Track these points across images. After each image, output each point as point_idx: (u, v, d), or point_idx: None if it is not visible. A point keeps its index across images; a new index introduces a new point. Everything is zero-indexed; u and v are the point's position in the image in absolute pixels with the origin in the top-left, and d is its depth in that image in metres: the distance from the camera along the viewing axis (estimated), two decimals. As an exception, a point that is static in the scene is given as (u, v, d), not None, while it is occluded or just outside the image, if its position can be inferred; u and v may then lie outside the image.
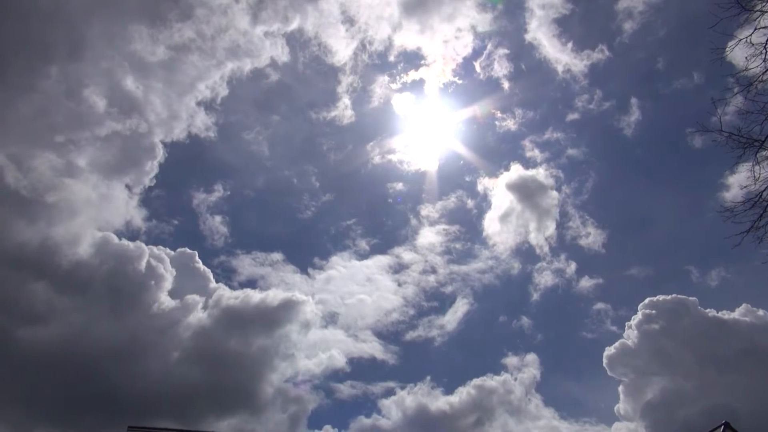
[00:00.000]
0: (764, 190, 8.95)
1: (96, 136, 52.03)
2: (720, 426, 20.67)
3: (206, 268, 64.83)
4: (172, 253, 62.00)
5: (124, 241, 54.10)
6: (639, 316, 63.81)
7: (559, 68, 68.44)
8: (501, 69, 69.69)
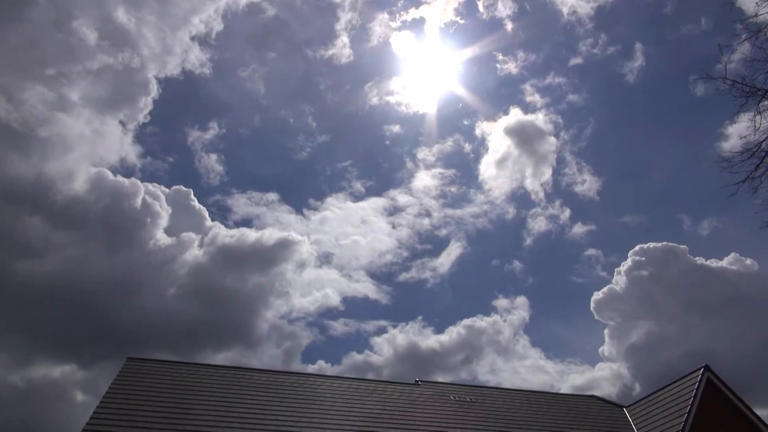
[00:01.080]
0: (764, 140, 8.94)
1: (87, 69, 50.70)
2: (700, 369, 21.45)
3: (201, 207, 64.72)
4: (167, 190, 61.74)
5: (119, 178, 53.79)
6: (629, 262, 64.70)
7: (565, 10, 66.30)
8: (505, 9, 67.39)
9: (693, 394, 20.42)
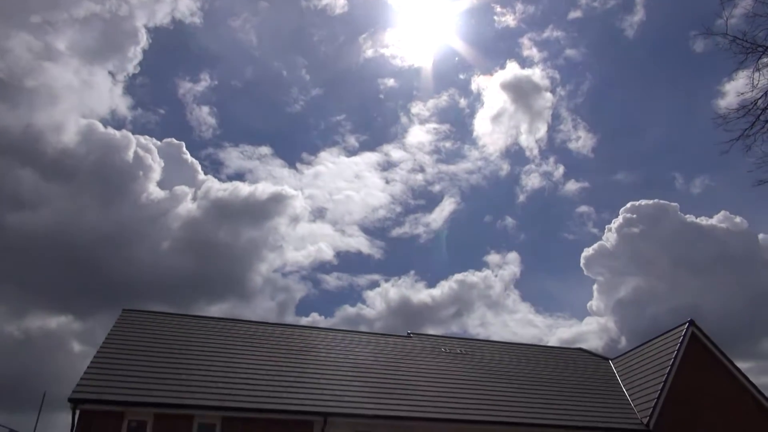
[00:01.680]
0: (760, 97, 8.89)
1: (74, 17, 49.15)
2: (685, 324, 21.97)
3: (194, 160, 63.99)
4: (159, 143, 60.88)
5: (110, 130, 52.94)
6: (620, 219, 65.06)
7: (565, -40, 64.43)
8: (503, -42, 65.47)
9: (677, 348, 20.97)
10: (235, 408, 15.24)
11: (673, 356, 20.73)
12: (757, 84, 8.73)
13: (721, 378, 20.95)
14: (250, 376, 17.18)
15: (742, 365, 21.63)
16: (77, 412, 14.01)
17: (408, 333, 25.19)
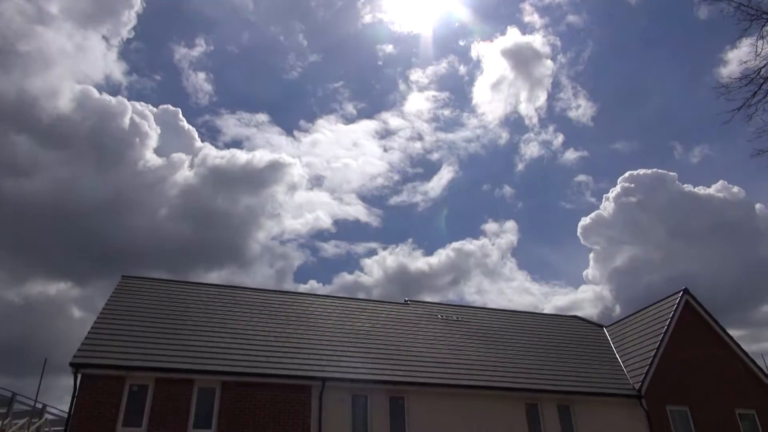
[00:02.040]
0: (763, 66, 8.79)
1: (65, -22, 48.01)
2: (679, 292, 22.21)
3: (191, 127, 63.27)
4: (155, 110, 60.10)
5: (105, 96, 52.33)
6: (618, 188, 65.06)
7: None
8: None
9: (671, 316, 21.25)
10: (235, 372, 15.49)
11: (667, 324, 21.02)
12: (761, 52, 8.63)
13: (713, 345, 21.30)
14: (249, 342, 17.41)
15: (734, 333, 21.99)
16: (79, 377, 14.22)
17: (405, 300, 25.44)
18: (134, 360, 14.93)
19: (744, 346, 21.70)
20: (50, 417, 24.45)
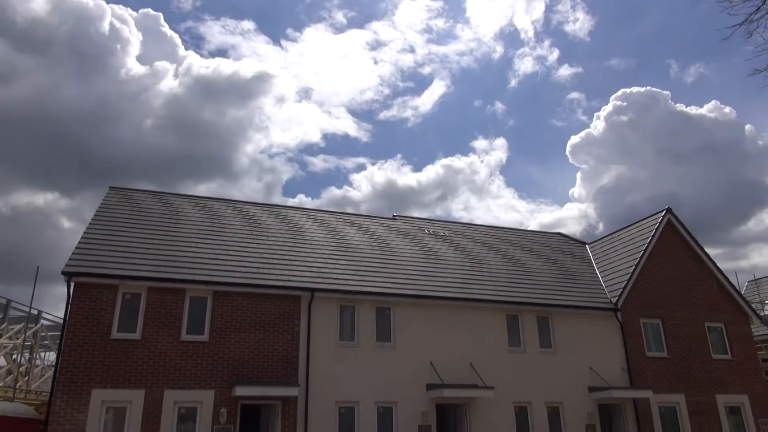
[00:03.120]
0: (769, -21, 8.45)
1: None
2: (662, 211, 22.65)
3: (173, 33, 60.55)
4: (135, 14, 57.23)
5: (81, -3, 49.66)
6: (609, 107, 64.23)
7: None
8: None
9: (652, 234, 21.80)
10: (226, 283, 15.85)
11: (648, 242, 21.60)
12: (768, -36, 8.26)
13: (690, 263, 22.04)
14: (239, 254, 17.69)
15: (712, 251, 22.72)
16: (72, 285, 14.48)
17: (393, 215, 25.74)
18: (126, 270, 15.18)
19: (720, 264, 22.54)
20: (46, 323, 25.16)
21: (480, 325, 18.27)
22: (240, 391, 14.49)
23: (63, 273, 14.30)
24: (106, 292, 14.74)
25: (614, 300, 20.11)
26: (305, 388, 15.61)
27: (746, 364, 21.05)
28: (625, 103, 72.18)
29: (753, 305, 23.86)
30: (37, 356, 23.92)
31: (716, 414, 19.76)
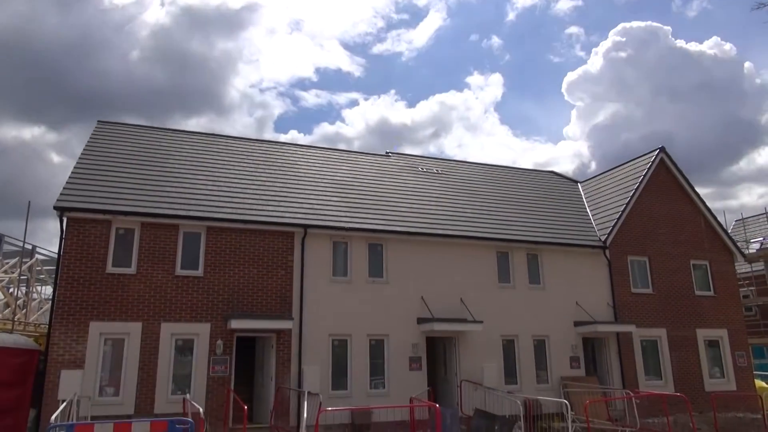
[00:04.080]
0: None
1: None
2: (656, 150, 22.64)
3: (157, -42, 58.03)
4: (116, -64, 54.57)
5: None
6: (608, 42, 62.80)
7: None
8: None
9: (644, 173, 21.87)
10: (220, 219, 15.89)
11: (639, 181, 21.70)
12: None
13: (681, 203, 22.26)
14: (232, 190, 17.65)
15: (702, 191, 22.90)
16: (65, 220, 14.48)
17: (386, 152, 25.60)
18: (119, 205, 15.14)
19: (709, 203, 22.77)
20: (41, 257, 25.33)
21: (471, 261, 18.58)
22: (235, 324, 14.84)
23: (55, 208, 14.26)
24: (99, 227, 14.77)
25: (603, 238, 20.41)
26: (299, 321, 16.00)
27: (727, 300, 21.70)
28: (624, 39, 70.49)
29: (738, 244, 24.34)
30: (34, 290, 24.23)
31: (695, 347, 20.54)
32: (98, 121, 20.23)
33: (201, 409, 11.28)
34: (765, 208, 32.51)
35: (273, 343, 15.72)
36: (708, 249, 21.98)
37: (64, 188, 15.13)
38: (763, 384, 22.38)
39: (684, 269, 21.37)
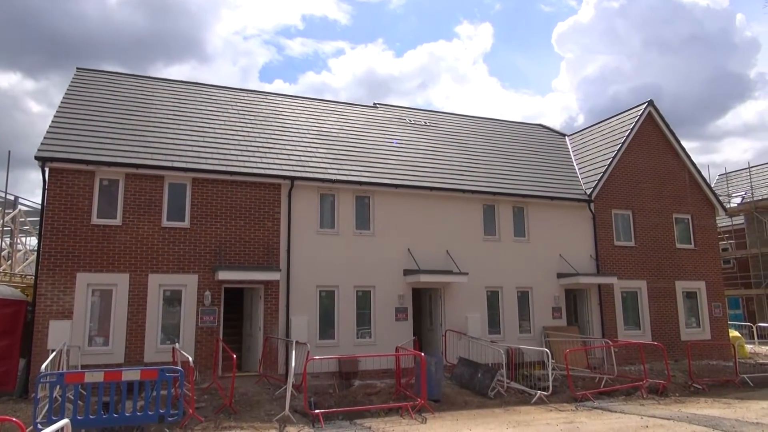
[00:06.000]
0: None
1: None
2: (644, 103, 22.58)
3: None
4: None
5: None
6: (601, -8, 61.57)
7: None
8: None
9: (631, 127, 21.88)
10: (205, 170, 15.71)
11: (626, 135, 21.73)
12: None
13: (666, 157, 22.39)
14: (217, 140, 17.39)
15: (687, 145, 23.03)
16: (47, 170, 14.23)
17: (374, 103, 25.26)
18: (102, 155, 14.88)
19: (693, 157, 22.93)
20: (24, 208, 25.03)
21: (457, 213, 18.68)
22: (223, 275, 14.91)
23: (36, 158, 13.99)
24: (82, 177, 14.55)
25: (588, 192, 20.57)
26: (287, 272, 16.11)
27: (707, 253, 22.18)
28: (617, -13, 69.01)
29: (721, 198, 24.69)
30: (18, 241, 24.04)
31: (674, 298, 21.10)
32: (77, 68, 19.64)
33: (190, 358, 11.46)
34: (748, 163, 32.88)
35: (261, 294, 15.86)
36: (691, 203, 22.28)
37: (44, 138, 14.81)
38: (736, 333, 23.21)
39: (666, 223, 21.69)
